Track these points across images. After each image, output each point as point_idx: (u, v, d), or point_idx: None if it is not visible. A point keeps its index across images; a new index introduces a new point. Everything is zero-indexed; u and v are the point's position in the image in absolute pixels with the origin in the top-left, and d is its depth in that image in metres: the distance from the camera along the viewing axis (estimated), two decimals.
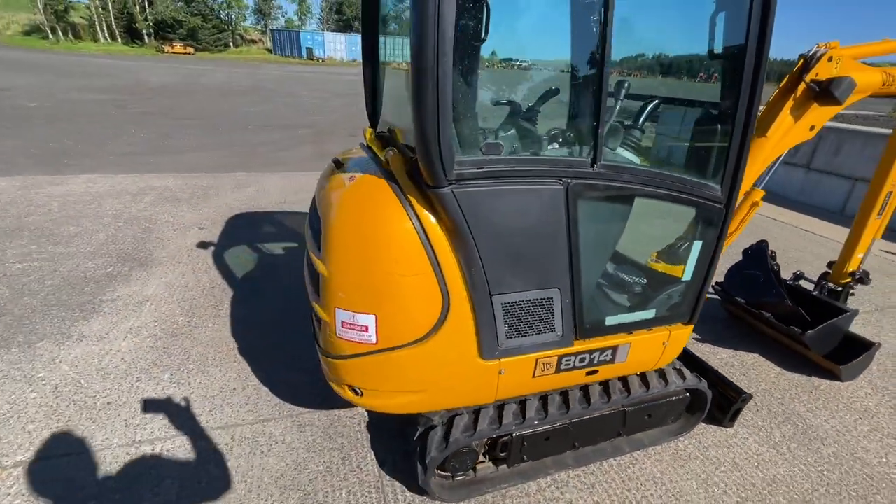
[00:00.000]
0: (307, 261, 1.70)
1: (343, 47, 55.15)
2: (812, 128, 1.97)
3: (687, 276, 1.74)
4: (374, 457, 2.01)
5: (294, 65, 44.26)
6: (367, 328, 1.38)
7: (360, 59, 2.03)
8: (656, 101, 1.89)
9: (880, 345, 2.77)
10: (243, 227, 4.63)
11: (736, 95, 1.45)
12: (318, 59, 52.68)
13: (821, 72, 1.83)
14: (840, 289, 2.92)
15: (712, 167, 1.63)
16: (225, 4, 58.02)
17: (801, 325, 2.66)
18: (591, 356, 1.68)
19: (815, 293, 2.97)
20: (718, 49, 1.63)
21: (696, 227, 1.73)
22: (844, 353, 2.70)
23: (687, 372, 2.09)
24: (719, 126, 1.60)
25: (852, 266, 2.83)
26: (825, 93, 1.79)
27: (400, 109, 1.70)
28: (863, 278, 2.84)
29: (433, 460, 1.60)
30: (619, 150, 1.69)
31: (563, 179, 1.35)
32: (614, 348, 1.71)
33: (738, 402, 2.25)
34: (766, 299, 2.85)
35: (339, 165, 1.61)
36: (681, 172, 1.63)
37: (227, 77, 24.26)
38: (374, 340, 1.41)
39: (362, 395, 1.55)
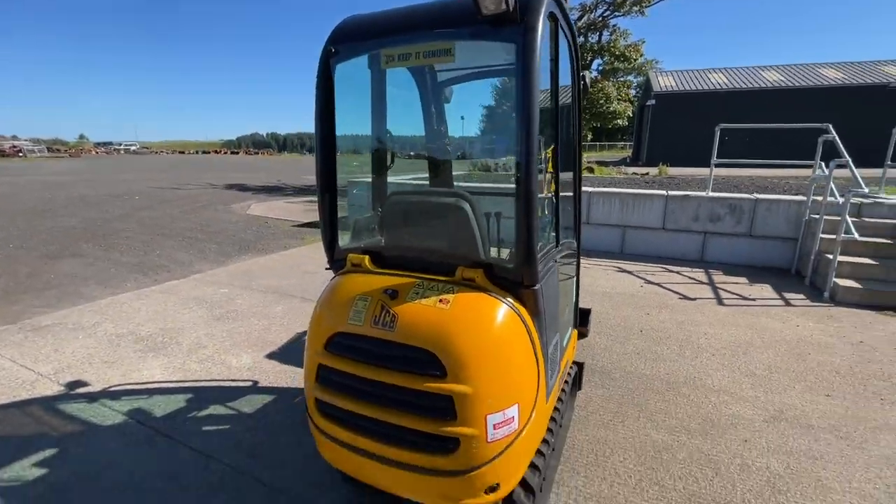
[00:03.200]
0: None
1: None
2: None
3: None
4: None
5: None
6: (513, 418, 1.55)
7: None
8: None
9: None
10: None
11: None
12: None
13: None
14: None
15: None
16: None
17: None
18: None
19: None
20: None
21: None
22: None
23: None
24: None
25: None
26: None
27: (428, 229, 1.94)
28: None
29: None
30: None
31: None
32: None
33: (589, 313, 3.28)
34: None
35: (395, 296, 1.63)
36: None
37: None
38: (517, 427, 1.58)
39: (499, 488, 1.63)
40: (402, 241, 1.93)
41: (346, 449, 1.66)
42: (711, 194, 6.78)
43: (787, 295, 5.24)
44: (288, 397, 3.11)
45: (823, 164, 5.91)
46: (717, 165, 7.06)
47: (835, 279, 5.08)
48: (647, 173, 15.17)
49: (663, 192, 7.05)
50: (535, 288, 1.61)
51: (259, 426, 2.79)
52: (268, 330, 4.23)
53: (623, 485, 2.31)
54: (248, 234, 8.98)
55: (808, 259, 5.67)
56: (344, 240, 2.02)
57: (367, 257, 1.80)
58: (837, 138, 5.75)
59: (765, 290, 5.41)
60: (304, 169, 34.54)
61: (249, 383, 3.31)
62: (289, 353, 3.76)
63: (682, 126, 24.45)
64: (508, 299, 1.60)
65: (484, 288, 1.61)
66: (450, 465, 1.49)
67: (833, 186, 5.50)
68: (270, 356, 3.73)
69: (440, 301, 1.55)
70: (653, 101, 26.60)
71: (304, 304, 4.92)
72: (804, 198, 6.21)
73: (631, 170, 17.91)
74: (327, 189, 1.86)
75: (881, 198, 5.96)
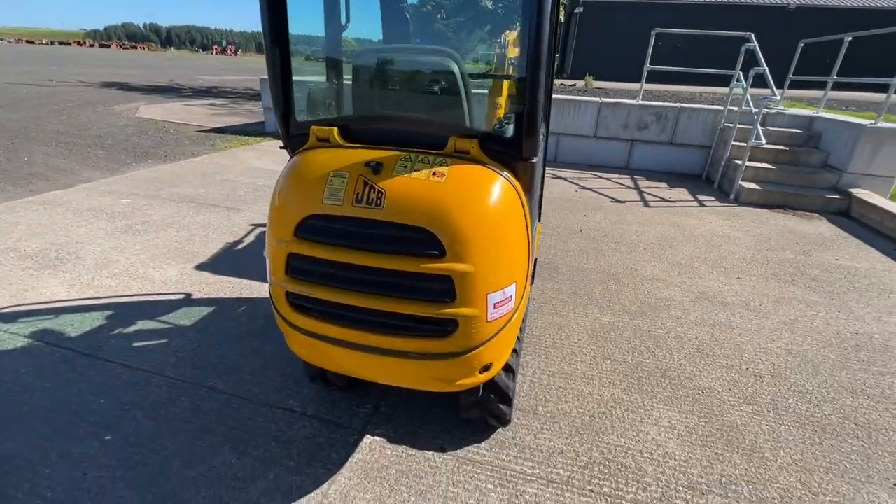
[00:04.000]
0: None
1: None
2: None
3: None
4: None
5: None
6: (511, 297, 1.49)
7: None
8: None
9: None
10: None
11: None
12: None
13: None
14: None
15: None
16: None
17: None
18: None
19: None
20: None
21: None
22: None
23: None
24: None
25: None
26: None
27: (410, 95, 1.75)
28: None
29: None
30: None
31: None
32: None
33: None
34: None
35: (378, 170, 1.40)
36: None
37: None
38: (513, 305, 1.51)
39: (491, 367, 1.59)
40: (378, 109, 1.67)
41: (326, 342, 1.53)
42: (641, 102, 6.96)
43: (701, 197, 5.75)
44: (229, 308, 2.85)
45: (742, 73, 6.25)
46: (649, 72, 7.17)
47: (740, 182, 5.64)
48: (574, 85, 15.20)
49: (597, 99, 7.10)
50: (534, 161, 1.48)
51: (203, 339, 2.54)
52: (190, 241, 3.77)
53: (580, 361, 2.49)
54: (144, 139, 7.68)
55: (718, 165, 6.21)
56: (302, 115, 1.69)
57: (335, 129, 1.52)
58: (758, 47, 6.04)
59: (682, 194, 5.89)
60: (201, 68, 29.74)
61: (182, 296, 2.96)
62: (222, 264, 3.40)
63: (610, 38, 24.40)
64: (505, 173, 1.47)
65: (479, 160, 1.45)
66: (447, 347, 1.43)
67: (749, 96, 5.89)
68: (200, 268, 3.34)
69: (434, 174, 1.37)
70: (581, 9, 25.95)
71: (230, 213, 4.42)
72: (721, 108, 6.62)
73: (557, 82, 17.81)
74: (277, 44, 1.49)
75: (783, 109, 6.55)
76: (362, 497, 1.68)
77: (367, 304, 1.40)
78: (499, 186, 1.41)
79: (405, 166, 1.38)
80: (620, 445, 1.96)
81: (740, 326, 2.90)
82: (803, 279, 3.59)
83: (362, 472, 1.78)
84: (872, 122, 5.32)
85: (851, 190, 5.33)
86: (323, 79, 1.87)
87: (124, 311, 2.75)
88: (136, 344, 2.48)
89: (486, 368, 1.55)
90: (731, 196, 5.68)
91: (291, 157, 1.60)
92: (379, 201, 1.34)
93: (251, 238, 3.90)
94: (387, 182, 1.36)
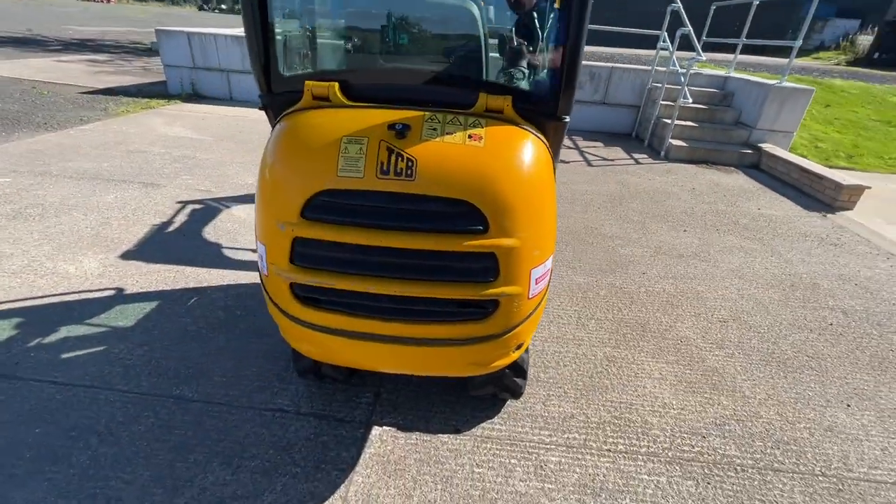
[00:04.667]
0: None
1: None
2: None
3: None
4: None
5: None
6: (549, 270, 1.41)
7: None
8: None
9: None
10: None
11: None
12: None
13: None
14: None
15: None
16: None
17: None
18: None
19: None
20: None
21: None
22: None
23: None
24: None
25: None
26: None
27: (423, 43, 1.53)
28: None
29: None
30: None
31: None
32: None
33: None
34: None
35: (403, 134, 1.16)
36: None
37: None
38: (549, 279, 1.43)
39: (524, 345, 1.50)
40: (381, 62, 1.42)
41: (342, 337, 1.33)
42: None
43: (636, 155, 6.05)
44: (176, 302, 2.46)
45: (667, 34, 6.53)
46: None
47: (670, 140, 6.01)
48: None
49: None
50: (566, 120, 1.36)
51: (152, 341, 2.17)
52: (105, 225, 3.18)
53: (567, 324, 2.52)
54: (10, 104, 6.30)
55: (648, 124, 6.55)
56: (292, 67, 1.40)
57: (335, 85, 1.27)
58: (682, 8, 6.31)
59: (618, 152, 6.15)
60: (68, 16, 25.00)
61: (111, 292, 2.50)
62: (153, 250, 2.92)
63: None
64: (539, 135, 1.34)
65: (512, 120, 1.30)
66: (486, 330, 1.31)
67: (675, 57, 6.19)
68: (127, 256, 2.84)
69: (470, 138, 1.20)
70: None
71: (149, 190, 3.79)
72: (649, 68, 6.91)
73: None
74: None
75: (700, 70, 7.00)
76: (386, 494, 1.56)
77: (395, 291, 1.22)
78: (538, 151, 1.28)
79: (433, 129, 1.19)
80: (623, 402, 2.02)
81: (697, 277, 3.12)
82: (737, 229, 3.94)
83: (379, 466, 1.65)
84: (778, 81, 5.88)
85: (761, 145, 5.91)
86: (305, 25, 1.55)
87: (39, 317, 2.26)
88: (65, 355, 2.05)
89: (519, 346, 1.47)
90: (662, 153, 6.05)
91: (277, 121, 1.32)
92: (410, 172, 1.14)
93: (183, 217, 3.39)
94: (416, 148, 1.16)
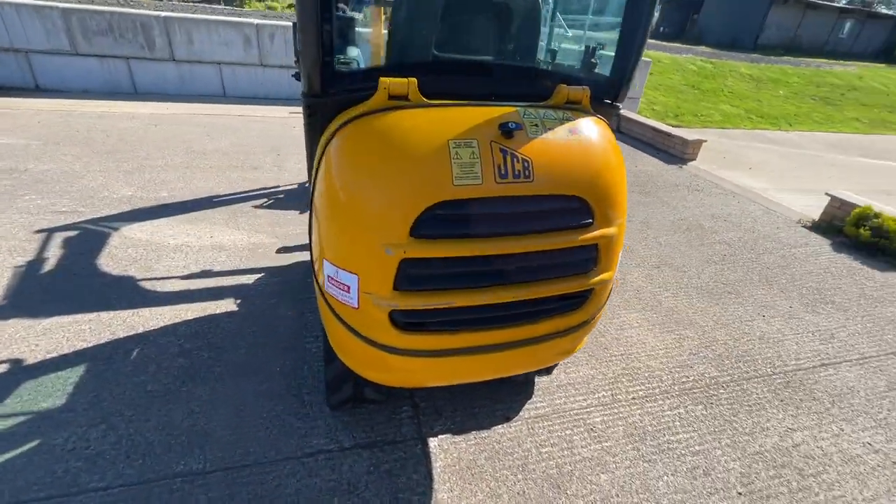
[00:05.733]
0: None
1: None
2: None
3: None
4: None
5: None
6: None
7: None
8: None
9: None
10: None
11: None
12: None
13: None
14: None
15: None
16: None
17: None
18: None
19: None
20: None
21: None
22: None
23: None
24: None
25: None
26: None
27: (501, 45, 1.48)
28: None
29: None
30: None
31: None
32: None
33: None
34: None
35: (510, 133, 1.08)
36: None
37: None
38: None
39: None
40: (446, 52, 1.28)
41: (442, 357, 1.23)
42: None
43: None
44: (111, 359, 1.94)
45: None
46: None
47: None
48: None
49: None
50: (620, 107, 1.42)
51: (106, 415, 1.69)
52: None
53: None
54: None
55: None
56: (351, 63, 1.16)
57: (414, 81, 1.10)
58: None
59: None
60: None
61: (3, 367, 1.84)
62: (39, 300, 2.22)
63: None
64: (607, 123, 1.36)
65: (587, 111, 1.30)
66: (581, 317, 1.34)
67: None
68: (1, 315, 2.11)
69: (570, 133, 1.17)
70: None
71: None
72: None
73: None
74: None
75: None
76: (476, 501, 1.53)
77: (513, 297, 1.17)
78: (614, 140, 1.32)
79: (535, 125, 1.14)
80: (624, 354, 2.27)
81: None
82: (634, 186, 4.59)
83: (456, 476, 1.60)
84: None
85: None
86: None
87: None
88: None
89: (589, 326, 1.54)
90: None
91: (340, 126, 1.10)
92: (527, 172, 1.08)
93: (56, 251, 2.61)
94: (527, 147, 1.10)
